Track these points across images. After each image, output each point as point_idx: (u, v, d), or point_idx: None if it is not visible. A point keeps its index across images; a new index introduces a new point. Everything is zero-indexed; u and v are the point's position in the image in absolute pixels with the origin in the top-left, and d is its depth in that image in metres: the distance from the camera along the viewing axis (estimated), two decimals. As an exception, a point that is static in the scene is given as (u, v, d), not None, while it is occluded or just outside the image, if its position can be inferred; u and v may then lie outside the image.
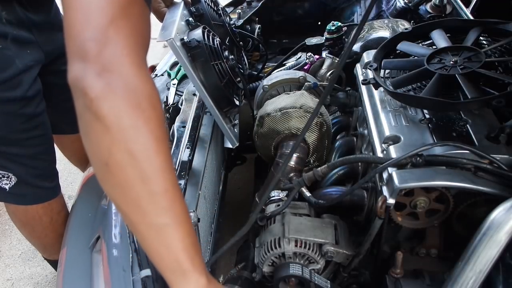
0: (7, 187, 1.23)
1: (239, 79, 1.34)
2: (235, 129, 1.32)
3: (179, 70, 1.62)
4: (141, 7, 0.64)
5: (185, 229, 0.63)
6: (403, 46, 1.21)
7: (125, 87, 0.57)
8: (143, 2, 0.65)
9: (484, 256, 0.73)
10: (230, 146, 1.28)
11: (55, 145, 1.36)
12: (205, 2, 1.41)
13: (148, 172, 0.58)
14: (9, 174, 1.21)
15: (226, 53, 1.29)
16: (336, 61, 1.54)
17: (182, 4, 1.31)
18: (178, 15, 1.21)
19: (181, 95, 1.42)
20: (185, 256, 0.63)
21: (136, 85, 0.58)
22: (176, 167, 1.11)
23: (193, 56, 1.14)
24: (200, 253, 0.67)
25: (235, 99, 1.28)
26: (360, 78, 1.28)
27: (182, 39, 1.12)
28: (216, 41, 1.24)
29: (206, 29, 1.21)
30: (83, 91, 0.56)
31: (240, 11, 1.91)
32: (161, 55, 1.25)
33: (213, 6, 1.49)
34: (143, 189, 0.59)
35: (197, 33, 1.16)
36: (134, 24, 0.61)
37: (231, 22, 1.65)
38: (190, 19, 1.26)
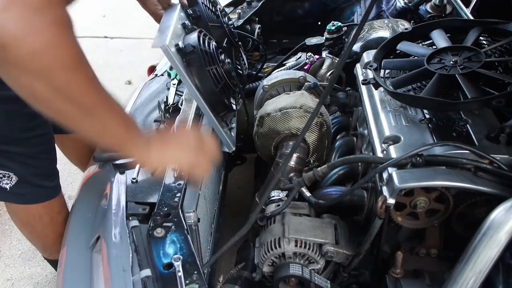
0: (7, 186, 1.23)
1: (235, 82, 1.33)
2: (232, 133, 1.31)
3: (179, 70, 1.61)
4: None
5: (117, 115, 0.78)
6: (403, 46, 1.21)
7: (37, 26, 0.60)
8: None
9: (484, 256, 0.73)
10: (226, 150, 1.27)
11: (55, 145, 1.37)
12: (202, 3, 1.40)
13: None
14: (10, 173, 1.21)
15: (222, 56, 1.28)
16: (336, 61, 1.54)
17: (179, 6, 1.30)
18: (174, 18, 1.20)
19: (181, 95, 1.42)
20: (126, 136, 0.80)
21: (49, 22, 0.61)
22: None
23: (188, 62, 1.12)
24: (133, 124, 0.83)
25: (232, 103, 1.27)
26: (360, 78, 1.28)
27: (177, 45, 1.11)
28: (212, 45, 1.24)
29: (202, 33, 1.20)
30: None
31: (240, 11, 1.91)
32: (161, 55, 1.25)
33: (211, 7, 1.49)
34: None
35: (193, 37, 1.16)
36: None
37: (230, 22, 1.64)
38: (187, 22, 1.25)
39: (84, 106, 0.70)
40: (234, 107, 1.29)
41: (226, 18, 1.62)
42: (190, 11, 1.32)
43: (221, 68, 1.22)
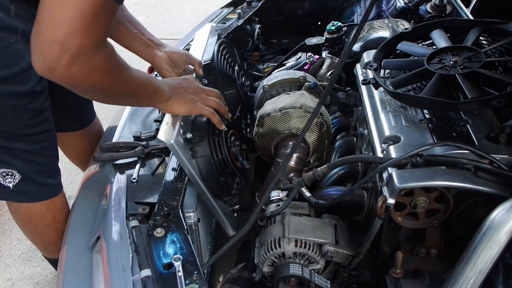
0: (11, 185, 1.23)
1: (241, 166, 1.29)
2: (234, 214, 1.24)
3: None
4: (110, 14, 0.75)
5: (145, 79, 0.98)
6: (403, 46, 1.21)
7: (87, 72, 0.78)
8: (113, 9, 0.75)
9: (484, 256, 0.73)
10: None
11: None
12: (219, 70, 1.39)
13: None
14: (13, 171, 1.21)
15: (232, 139, 1.27)
16: (336, 61, 1.54)
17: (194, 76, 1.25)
18: None
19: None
20: (153, 88, 1.01)
21: (100, 65, 0.79)
22: (177, 167, 1.11)
23: (195, 151, 1.09)
24: (158, 87, 1.02)
25: (236, 188, 1.24)
26: (360, 78, 1.28)
27: (184, 134, 1.06)
28: (222, 133, 1.21)
29: (211, 124, 1.16)
30: (56, 77, 0.76)
31: (240, 11, 1.91)
32: (161, 55, 1.25)
33: (228, 70, 1.47)
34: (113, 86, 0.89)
35: (203, 122, 1.15)
36: (98, 31, 0.75)
37: (243, 81, 1.63)
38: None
39: (124, 92, 0.93)
40: (237, 189, 1.25)
41: (243, 79, 1.63)
42: (205, 81, 1.31)
43: (227, 155, 1.19)
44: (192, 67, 1.30)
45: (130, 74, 0.92)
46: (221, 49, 1.49)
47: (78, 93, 0.87)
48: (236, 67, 1.58)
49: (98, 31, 0.75)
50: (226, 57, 1.52)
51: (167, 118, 1.07)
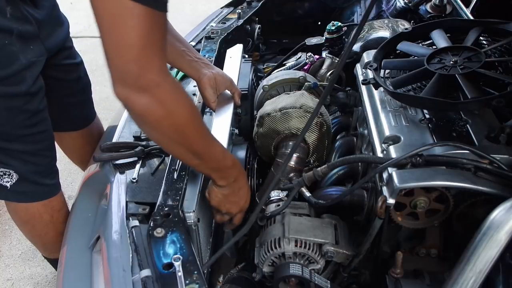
0: (8, 185, 1.23)
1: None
2: None
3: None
4: (160, 28, 0.75)
5: (220, 149, 0.98)
6: (403, 46, 1.21)
7: (159, 101, 0.78)
8: (162, 24, 0.75)
9: (484, 256, 0.73)
10: None
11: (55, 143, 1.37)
12: (251, 100, 1.41)
13: (184, 130, 0.86)
14: (10, 171, 1.21)
15: None
16: (336, 61, 1.54)
17: (230, 121, 1.26)
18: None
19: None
20: (225, 160, 0.99)
21: (165, 97, 0.79)
22: (177, 168, 1.11)
23: None
24: (227, 153, 1.02)
25: None
26: (360, 78, 1.28)
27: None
28: None
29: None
30: (130, 107, 0.78)
31: (240, 11, 1.91)
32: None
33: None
34: (189, 142, 0.89)
35: None
36: (157, 47, 0.76)
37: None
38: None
39: (195, 151, 0.91)
40: None
41: None
42: (239, 111, 1.35)
43: None
44: (230, 94, 1.33)
45: (204, 130, 0.91)
46: (255, 79, 1.56)
47: (149, 133, 0.88)
48: None
49: (156, 49, 0.76)
50: (256, 84, 1.58)
51: None
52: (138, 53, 0.72)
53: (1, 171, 1.21)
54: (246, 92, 1.44)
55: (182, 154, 0.92)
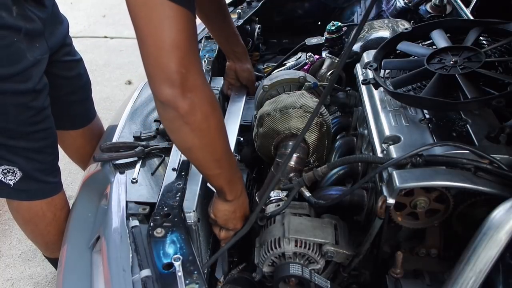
0: (11, 182, 1.24)
1: None
2: None
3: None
4: (196, 31, 0.80)
5: (235, 158, 1.04)
6: (403, 46, 1.21)
7: (201, 102, 0.82)
8: (193, 32, 0.79)
9: (484, 256, 0.73)
10: None
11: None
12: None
13: (215, 148, 0.91)
14: (14, 169, 1.22)
15: None
16: (336, 61, 1.54)
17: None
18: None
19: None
20: (238, 171, 1.04)
21: (204, 99, 0.83)
22: (177, 167, 1.11)
23: None
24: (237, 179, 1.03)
25: None
26: (360, 78, 1.28)
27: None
28: None
29: None
30: (175, 108, 0.80)
31: (240, 11, 1.91)
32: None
33: None
34: (212, 157, 0.92)
35: None
36: (197, 49, 0.82)
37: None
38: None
39: (218, 158, 0.93)
40: None
41: None
42: (242, 140, 1.41)
43: None
44: (242, 104, 1.49)
45: (226, 140, 0.94)
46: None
47: (185, 135, 0.87)
48: None
49: (196, 51, 0.81)
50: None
51: None
52: (184, 54, 0.76)
53: (5, 169, 1.21)
54: (250, 124, 1.49)
55: (207, 162, 0.94)
